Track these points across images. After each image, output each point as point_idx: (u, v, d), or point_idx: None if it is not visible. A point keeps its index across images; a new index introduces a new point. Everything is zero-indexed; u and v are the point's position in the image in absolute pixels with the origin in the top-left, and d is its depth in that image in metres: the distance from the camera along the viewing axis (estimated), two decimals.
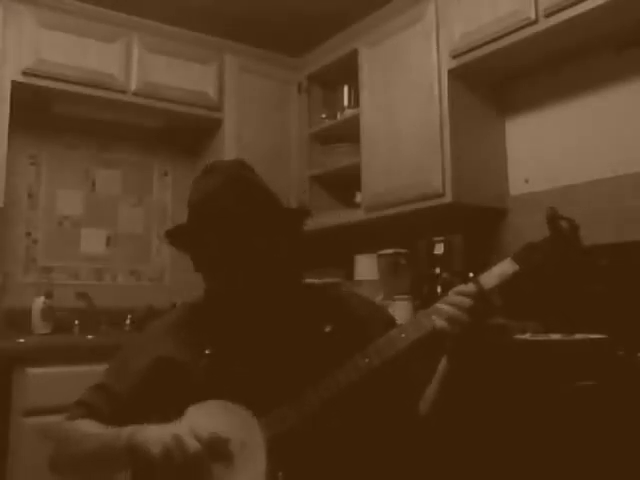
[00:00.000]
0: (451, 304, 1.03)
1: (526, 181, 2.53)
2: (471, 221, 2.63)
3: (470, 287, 1.03)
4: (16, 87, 2.59)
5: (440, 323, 1.02)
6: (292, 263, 1.21)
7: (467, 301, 1.02)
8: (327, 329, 1.18)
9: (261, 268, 1.15)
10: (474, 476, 1.61)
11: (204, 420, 1.02)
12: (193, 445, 0.95)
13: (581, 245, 1.03)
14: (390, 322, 1.27)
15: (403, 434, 1.22)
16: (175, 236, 1.22)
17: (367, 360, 1.05)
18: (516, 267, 1.03)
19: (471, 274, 1.05)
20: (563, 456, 1.47)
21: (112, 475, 1.15)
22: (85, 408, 1.17)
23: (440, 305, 1.05)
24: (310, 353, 1.14)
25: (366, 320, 1.23)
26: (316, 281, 1.34)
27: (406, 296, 2.63)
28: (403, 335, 1.05)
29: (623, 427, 1.40)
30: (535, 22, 2.11)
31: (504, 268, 1.03)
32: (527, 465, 1.54)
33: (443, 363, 1.13)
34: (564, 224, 1.03)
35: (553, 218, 1.04)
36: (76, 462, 1.15)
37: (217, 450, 0.98)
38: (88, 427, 1.13)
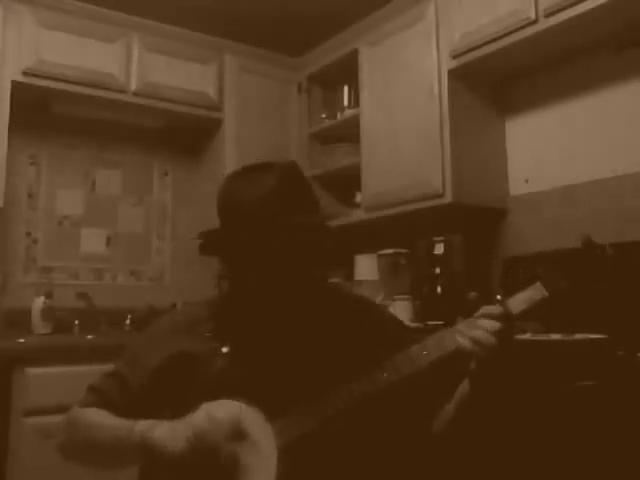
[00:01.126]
0: (479, 327, 1.01)
1: (526, 181, 2.53)
2: (471, 221, 2.63)
3: (498, 309, 1.02)
4: (16, 87, 2.59)
5: (465, 344, 1.01)
6: (320, 266, 1.20)
7: (496, 325, 1.00)
8: (347, 335, 1.17)
9: (306, 271, 1.14)
10: (475, 474, 1.61)
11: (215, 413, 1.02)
12: (216, 428, 0.94)
13: (612, 272, 1.02)
14: (400, 322, 1.27)
15: (414, 449, 1.21)
16: (215, 244, 1.16)
17: (385, 375, 1.04)
18: (545, 294, 1.01)
19: (498, 297, 1.04)
20: (563, 456, 1.47)
21: (123, 467, 1.15)
22: (98, 395, 1.16)
23: (466, 326, 1.03)
24: (328, 357, 1.13)
25: (381, 322, 1.23)
26: (342, 287, 1.32)
27: (406, 296, 2.64)
28: (425, 352, 1.04)
29: (623, 427, 1.40)
30: (535, 22, 2.11)
31: (532, 293, 1.02)
32: (527, 464, 1.53)
33: (464, 384, 1.11)
34: (599, 252, 1.02)
35: (587, 246, 1.02)
36: (86, 452, 1.15)
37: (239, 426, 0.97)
38: (100, 417, 1.12)
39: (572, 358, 1.55)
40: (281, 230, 1.08)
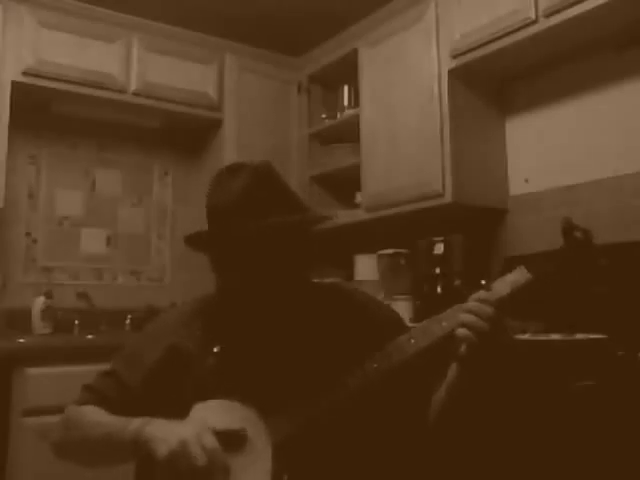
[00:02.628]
0: (464, 311, 1.02)
1: (526, 181, 2.53)
2: (471, 221, 2.63)
3: (482, 294, 1.03)
4: (16, 87, 2.60)
5: (451, 329, 1.01)
6: (305, 263, 1.19)
7: (481, 308, 1.00)
8: (338, 330, 1.17)
9: (284, 272, 1.13)
10: (475, 474, 1.61)
11: (210, 419, 1.02)
12: (199, 455, 0.94)
13: (595, 256, 1.03)
14: (398, 321, 1.27)
15: (410, 439, 1.21)
16: (197, 242, 1.17)
17: (376, 365, 1.05)
18: (529, 276, 1.02)
19: (483, 281, 1.04)
20: (563, 456, 1.47)
21: (117, 465, 1.15)
22: (93, 394, 1.17)
23: (452, 311, 1.04)
24: (320, 354, 1.13)
25: (375, 319, 1.23)
26: (324, 280, 1.32)
27: (406, 296, 2.64)
28: (412, 341, 1.04)
29: (623, 427, 1.40)
30: (535, 22, 2.11)
31: (517, 277, 1.03)
32: (527, 464, 1.54)
33: (453, 370, 1.11)
34: (578, 234, 1.03)
35: (568, 229, 1.03)
36: (81, 449, 1.15)
37: (222, 458, 0.98)
38: (96, 415, 1.12)
39: (572, 358, 1.56)
40: (252, 233, 1.07)
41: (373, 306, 1.29)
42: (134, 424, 1.02)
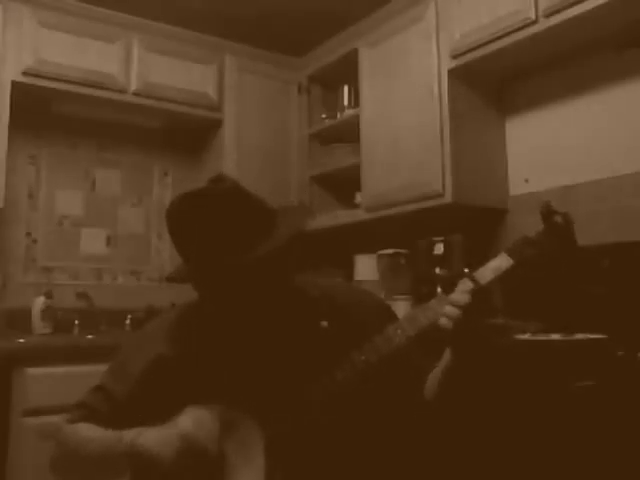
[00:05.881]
0: (449, 301, 1.02)
1: (526, 181, 2.53)
2: (471, 221, 2.63)
3: (466, 283, 1.03)
4: (16, 87, 2.60)
5: (437, 319, 1.02)
6: (290, 266, 1.18)
7: (466, 297, 1.01)
8: (322, 326, 1.17)
9: (266, 291, 1.11)
10: (475, 474, 1.62)
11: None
12: (206, 438, 0.96)
13: (575, 239, 1.04)
14: (386, 311, 1.27)
15: (405, 428, 1.22)
16: (178, 279, 1.15)
17: (364, 357, 1.05)
18: (510, 261, 1.03)
19: (466, 269, 1.05)
20: (563, 456, 1.47)
21: (112, 478, 1.16)
22: (85, 410, 1.18)
23: (437, 301, 1.05)
24: (306, 352, 1.14)
25: (362, 317, 1.22)
26: (310, 278, 1.31)
27: (406, 296, 2.64)
28: (399, 331, 1.05)
29: (623, 427, 1.40)
30: (535, 22, 2.11)
31: (499, 262, 1.04)
32: (527, 465, 1.54)
33: (446, 355, 1.12)
34: (558, 218, 1.04)
35: (547, 212, 1.04)
36: (77, 466, 1.16)
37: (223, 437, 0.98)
38: (89, 430, 1.13)
39: (572, 358, 1.56)
40: (229, 270, 1.05)
41: (361, 302, 1.28)
42: (126, 437, 1.04)
